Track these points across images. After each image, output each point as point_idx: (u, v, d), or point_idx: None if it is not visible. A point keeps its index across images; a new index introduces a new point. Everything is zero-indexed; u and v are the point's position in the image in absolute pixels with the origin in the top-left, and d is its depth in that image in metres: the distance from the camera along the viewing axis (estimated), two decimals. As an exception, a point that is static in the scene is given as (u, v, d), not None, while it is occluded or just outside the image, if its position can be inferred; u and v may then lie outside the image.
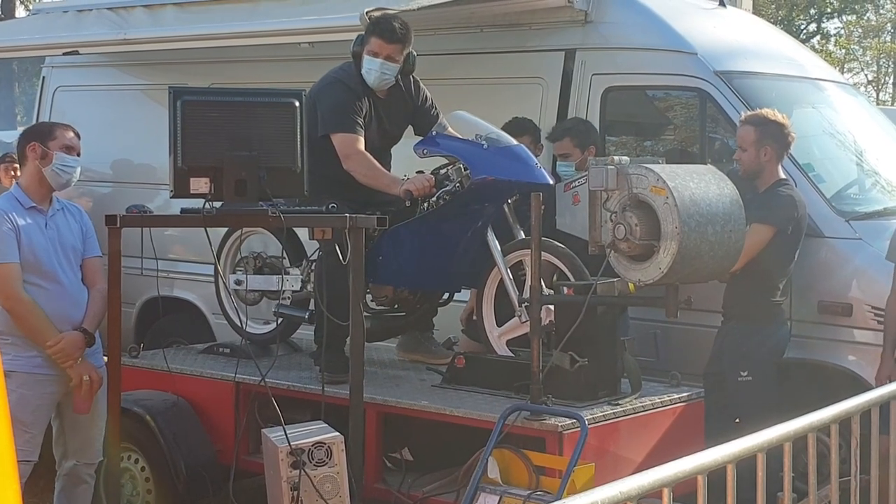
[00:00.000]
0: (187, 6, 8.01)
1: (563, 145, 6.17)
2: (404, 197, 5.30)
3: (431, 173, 5.53)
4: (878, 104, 21.74)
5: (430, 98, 5.73)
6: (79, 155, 5.08)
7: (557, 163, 6.15)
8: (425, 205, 5.50)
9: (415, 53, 5.53)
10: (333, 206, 4.88)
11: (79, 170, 5.05)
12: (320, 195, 5.05)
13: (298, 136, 4.58)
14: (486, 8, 6.65)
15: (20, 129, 5.35)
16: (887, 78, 43.18)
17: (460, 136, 5.53)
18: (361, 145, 5.40)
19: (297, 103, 4.61)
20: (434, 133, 5.60)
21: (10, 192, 5.09)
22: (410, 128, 5.79)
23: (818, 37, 36.25)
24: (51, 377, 4.94)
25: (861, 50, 40.27)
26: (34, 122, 7.44)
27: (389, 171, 5.80)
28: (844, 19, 37.91)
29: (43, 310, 4.87)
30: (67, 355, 4.90)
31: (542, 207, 4.73)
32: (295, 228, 5.65)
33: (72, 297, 5.00)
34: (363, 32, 5.54)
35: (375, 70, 5.45)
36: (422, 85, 5.72)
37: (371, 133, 5.53)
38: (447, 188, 5.44)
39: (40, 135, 5.06)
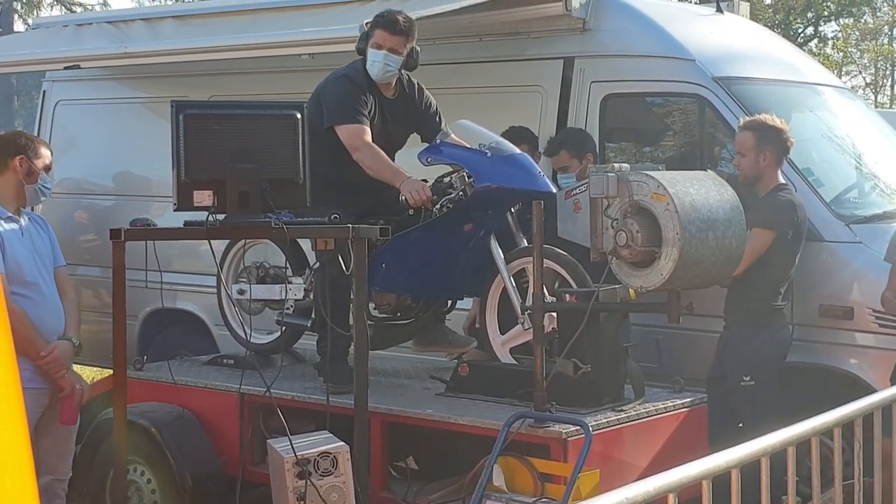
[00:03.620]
0: (187, 19, 8.04)
1: (561, 158, 6.20)
2: (405, 200, 5.31)
3: (436, 181, 5.56)
4: (876, 107, 21.76)
5: (434, 105, 5.76)
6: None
7: (558, 175, 6.17)
8: (430, 212, 5.52)
9: (418, 49, 5.56)
10: (336, 217, 4.90)
11: None
12: (323, 203, 5.07)
13: (300, 148, 4.59)
14: (485, 17, 6.67)
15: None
16: (885, 80, 43.22)
17: (464, 145, 5.56)
18: (368, 136, 5.42)
19: (298, 115, 4.63)
20: (438, 141, 5.62)
21: None
22: (416, 136, 5.82)
23: (815, 40, 36.26)
24: (41, 390, 4.94)
25: (859, 53, 40.31)
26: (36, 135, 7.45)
27: None
28: (842, 22, 37.91)
29: (31, 320, 4.88)
30: (60, 365, 4.92)
31: (543, 216, 4.75)
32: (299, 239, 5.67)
33: (53, 306, 5.02)
34: (367, 29, 5.59)
35: (379, 62, 5.48)
36: (426, 91, 5.75)
37: (375, 133, 5.55)
38: (451, 196, 5.46)
39: (26, 150, 5.05)
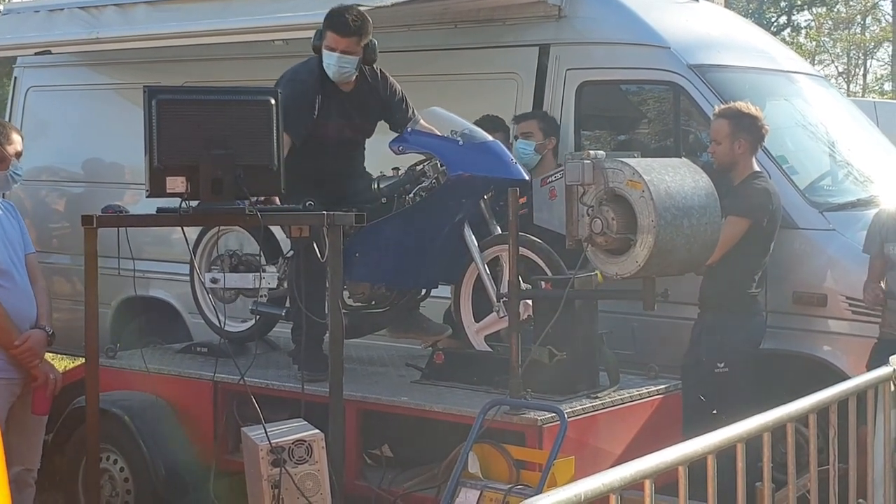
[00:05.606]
0: (159, 4, 7.96)
1: (529, 125, 6.23)
2: None
3: (408, 169, 5.55)
4: (848, 95, 21.86)
5: (399, 91, 5.70)
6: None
7: (518, 141, 6.15)
8: (403, 201, 5.50)
9: (375, 42, 5.47)
10: (310, 204, 4.87)
11: None
12: (293, 192, 5.04)
13: (274, 134, 4.56)
14: (461, 4, 6.65)
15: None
16: (857, 69, 43.46)
17: (436, 132, 5.53)
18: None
19: (272, 101, 4.59)
20: (409, 130, 5.59)
21: None
22: (386, 125, 5.79)
23: (789, 29, 36.46)
24: (13, 380, 4.90)
25: (831, 42, 40.50)
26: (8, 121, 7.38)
27: (363, 164, 5.80)
28: (815, 11, 38.12)
29: (5, 308, 4.83)
30: (35, 354, 4.89)
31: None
32: (271, 226, 5.63)
33: (26, 294, 4.98)
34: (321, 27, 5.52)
35: (334, 64, 5.42)
36: (390, 78, 5.69)
37: (337, 126, 5.50)
38: (424, 185, 5.45)
39: None
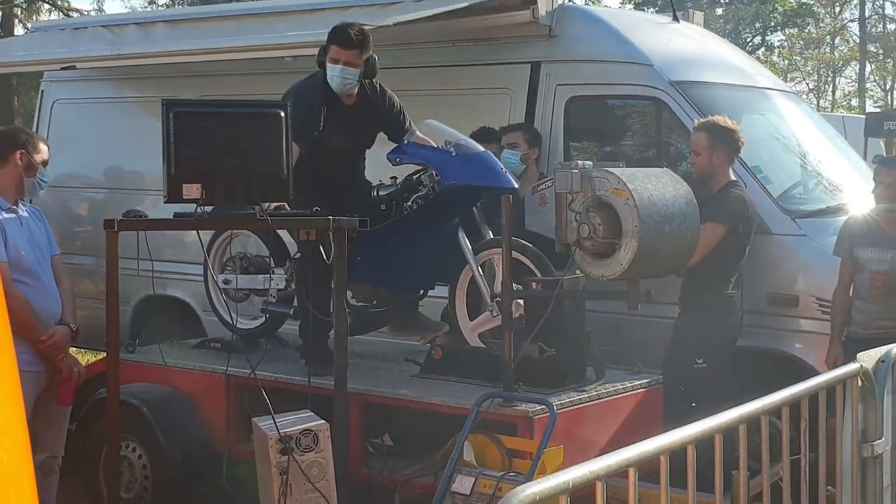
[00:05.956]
0: (177, 23, 7.98)
1: (515, 136, 6.21)
2: None
3: (406, 179, 5.54)
4: (818, 110, 21.88)
5: (398, 105, 5.69)
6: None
7: (505, 151, 6.15)
8: (402, 208, 5.50)
9: (375, 57, 5.46)
10: (317, 210, 4.87)
11: None
12: (300, 199, 5.02)
13: (284, 145, 4.56)
14: (458, 24, 6.64)
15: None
16: (827, 86, 43.52)
17: (431, 144, 5.52)
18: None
19: (282, 114, 4.59)
20: (406, 141, 5.59)
21: None
22: (385, 136, 5.77)
23: (763, 48, 36.52)
24: (39, 373, 4.89)
25: (803, 60, 40.56)
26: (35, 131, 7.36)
27: (364, 173, 5.79)
28: (787, 32, 38.18)
29: (32, 306, 4.82)
30: (60, 349, 4.87)
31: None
32: (279, 231, 5.63)
33: (51, 293, 4.96)
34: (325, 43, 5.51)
35: (337, 76, 5.41)
36: (389, 92, 5.67)
37: (340, 138, 5.50)
38: (420, 193, 5.45)
39: (26, 145, 4.99)
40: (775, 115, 6.98)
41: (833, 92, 43.82)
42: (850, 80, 42.73)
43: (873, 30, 40.51)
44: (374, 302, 5.82)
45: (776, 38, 38.27)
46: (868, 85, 40.51)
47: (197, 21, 8.06)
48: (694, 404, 5.42)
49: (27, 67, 9.42)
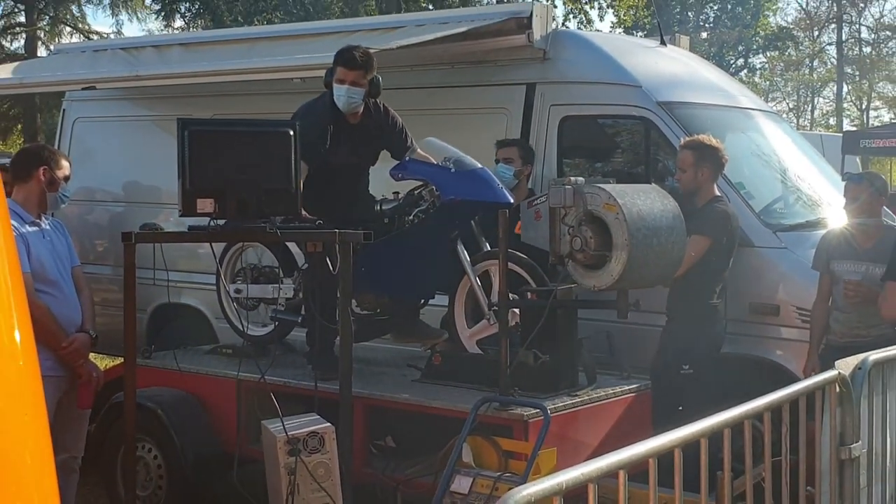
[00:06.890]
0: (192, 46, 7.99)
1: (511, 151, 6.20)
2: None
3: (407, 194, 5.55)
4: (798, 129, 21.92)
5: (400, 123, 5.70)
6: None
7: (500, 165, 6.14)
8: (403, 222, 5.51)
9: (379, 78, 5.47)
10: (319, 223, 4.88)
11: None
12: (308, 212, 5.03)
13: (293, 162, 4.56)
14: (457, 47, 6.65)
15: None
16: (806, 106, 43.56)
17: (431, 161, 5.53)
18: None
19: (291, 132, 4.59)
20: (408, 158, 5.60)
21: (9, 207, 4.96)
22: (388, 153, 5.78)
23: (745, 70, 36.60)
24: (61, 377, 4.88)
25: (783, 81, 40.62)
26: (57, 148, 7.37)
27: (368, 189, 5.79)
28: (768, 55, 38.25)
29: (53, 315, 4.82)
30: (80, 354, 4.87)
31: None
32: (288, 243, 5.63)
33: (72, 302, 4.96)
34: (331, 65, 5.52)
35: (343, 95, 5.42)
36: (392, 111, 5.69)
37: (345, 154, 5.50)
38: (421, 208, 5.46)
39: (49, 161, 5.00)
40: (757, 134, 6.99)
41: (812, 111, 43.91)
42: (828, 100, 42.80)
43: (850, 52, 40.61)
44: (378, 310, 5.82)
45: (758, 60, 38.37)
46: (845, 105, 40.59)
47: (211, 44, 8.06)
48: (681, 408, 5.41)
49: (50, 88, 9.40)
